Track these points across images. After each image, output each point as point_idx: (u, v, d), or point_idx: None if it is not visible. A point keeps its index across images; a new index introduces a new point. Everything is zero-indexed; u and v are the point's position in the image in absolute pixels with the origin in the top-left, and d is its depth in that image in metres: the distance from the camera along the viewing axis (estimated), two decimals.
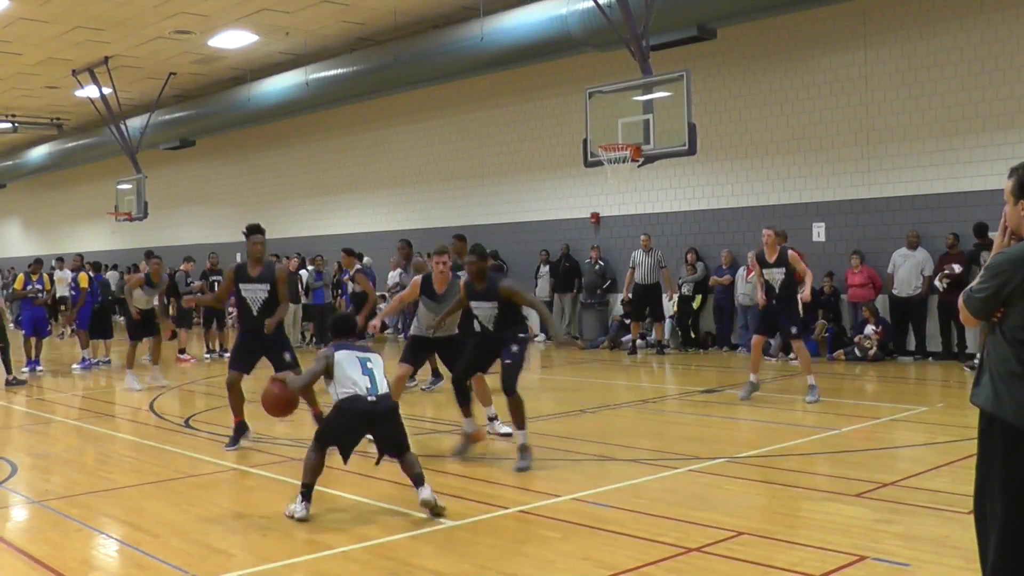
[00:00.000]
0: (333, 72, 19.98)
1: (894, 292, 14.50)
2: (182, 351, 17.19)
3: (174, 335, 18.12)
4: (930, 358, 14.29)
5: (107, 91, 21.93)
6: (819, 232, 15.68)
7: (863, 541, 5.37)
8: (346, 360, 6.14)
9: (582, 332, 18.56)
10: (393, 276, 18.85)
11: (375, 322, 9.04)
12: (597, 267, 18.26)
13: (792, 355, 14.57)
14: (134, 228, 26.92)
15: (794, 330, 10.81)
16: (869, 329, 14.50)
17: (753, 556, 5.16)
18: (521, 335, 7.65)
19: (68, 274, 20.17)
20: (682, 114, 11.79)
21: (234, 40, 19.85)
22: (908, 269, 14.35)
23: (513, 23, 16.55)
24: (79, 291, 16.40)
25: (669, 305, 16.95)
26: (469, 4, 17.37)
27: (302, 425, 9.13)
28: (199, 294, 16.84)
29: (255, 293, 8.35)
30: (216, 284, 16.18)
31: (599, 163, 12.49)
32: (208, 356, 17.49)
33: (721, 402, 10.97)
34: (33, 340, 15.56)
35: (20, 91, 24.66)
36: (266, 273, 8.40)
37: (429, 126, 22.01)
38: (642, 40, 12.48)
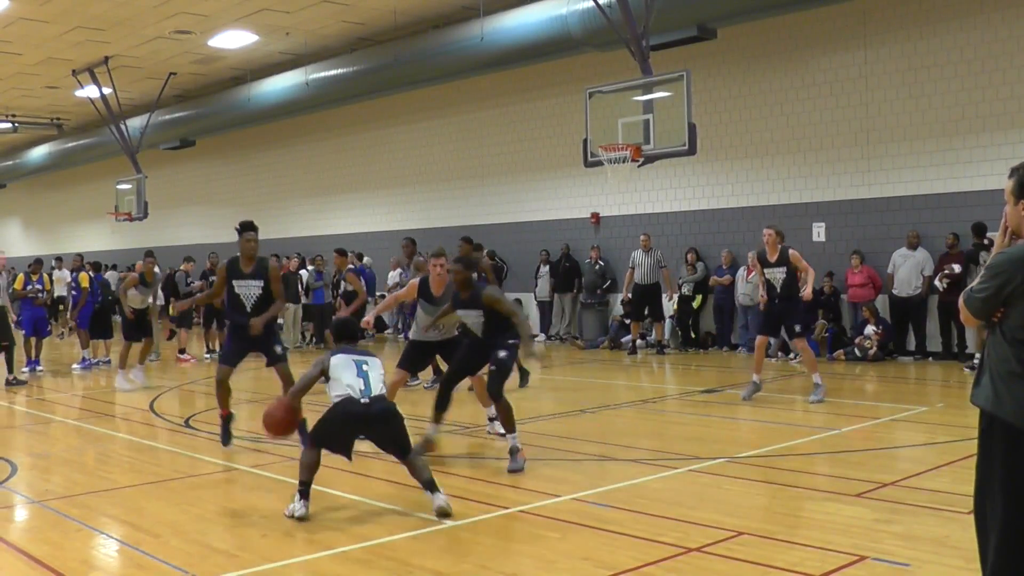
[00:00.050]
0: (333, 72, 19.98)
1: (894, 292, 14.50)
2: (182, 351, 17.19)
3: (172, 334, 18.14)
4: (930, 358, 14.29)
5: (107, 91, 21.93)
6: (819, 232, 15.68)
7: (863, 541, 5.37)
8: (342, 363, 6.17)
9: (582, 332, 18.56)
10: (393, 276, 18.90)
11: (368, 319, 9.06)
12: (597, 267, 18.26)
13: (792, 355, 14.62)
14: (134, 228, 26.93)
15: (797, 329, 10.82)
16: (870, 330, 14.50)
17: (753, 556, 5.16)
18: (510, 341, 7.65)
19: (66, 274, 20.20)
20: (682, 114, 11.79)
21: (234, 40, 19.86)
22: (908, 269, 14.35)
23: (513, 23, 16.55)
24: (80, 291, 16.40)
25: (669, 305, 16.95)
26: (469, 4, 17.37)
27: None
28: (198, 294, 16.83)
29: (249, 289, 8.35)
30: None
31: (599, 163, 12.49)
32: (208, 356, 17.47)
33: (721, 402, 10.97)
34: (33, 340, 15.55)
35: (20, 91, 24.66)
36: (259, 270, 8.40)
37: (429, 126, 22.00)
38: (642, 40, 12.48)
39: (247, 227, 8.42)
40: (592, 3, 13.92)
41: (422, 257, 13.91)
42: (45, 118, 28.63)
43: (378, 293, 20.41)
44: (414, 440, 6.70)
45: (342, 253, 15.10)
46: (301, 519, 6.03)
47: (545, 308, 19.35)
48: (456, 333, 8.77)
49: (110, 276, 21.72)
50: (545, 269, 19.08)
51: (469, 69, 18.05)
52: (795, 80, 15.93)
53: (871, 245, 15.02)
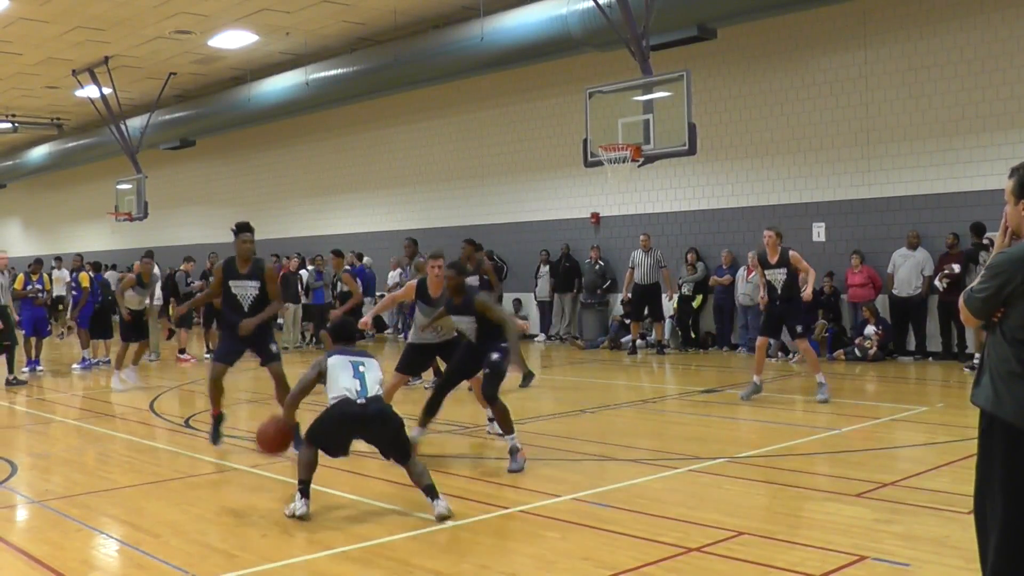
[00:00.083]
0: (333, 72, 19.98)
1: (894, 292, 14.50)
2: (182, 351, 17.19)
3: (171, 333, 18.14)
4: (930, 358, 14.29)
5: (107, 91, 21.92)
6: (819, 232, 15.68)
7: (863, 541, 5.37)
8: (339, 365, 6.18)
9: (582, 332, 18.56)
10: (393, 276, 18.90)
11: (365, 320, 9.06)
12: (597, 267, 18.26)
13: (792, 355, 14.61)
14: (134, 228, 26.92)
15: (799, 330, 10.82)
16: (870, 330, 14.50)
17: (753, 556, 5.16)
18: (503, 344, 7.65)
19: (65, 274, 20.19)
20: (682, 114, 11.78)
21: (234, 40, 19.86)
22: (908, 269, 14.35)
23: (513, 23, 16.55)
24: (81, 291, 16.40)
25: (669, 305, 16.95)
26: (469, 4, 17.37)
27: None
28: (198, 294, 16.83)
29: (245, 290, 8.35)
30: None
31: (599, 163, 12.49)
32: (208, 356, 17.46)
33: (721, 402, 10.97)
34: (33, 340, 15.56)
35: (20, 91, 24.66)
36: (255, 271, 8.39)
37: (429, 126, 22.00)
38: (642, 40, 12.48)
39: (243, 228, 8.42)
40: (592, 3, 13.92)
41: (423, 258, 13.91)
42: (45, 118, 28.63)
43: (378, 293, 20.42)
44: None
45: (339, 255, 15.18)
46: (302, 518, 6.03)
47: (545, 308, 19.36)
48: (455, 334, 8.77)
49: (110, 276, 21.72)
50: (545, 269, 19.08)
51: (469, 69, 18.05)
52: (795, 80, 15.93)
53: (871, 245, 15.02)
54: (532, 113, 19.75)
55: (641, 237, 16.77)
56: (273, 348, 8.41)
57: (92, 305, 16.21)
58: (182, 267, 18.66)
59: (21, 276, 15.54)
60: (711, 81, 16.68)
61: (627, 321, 17.16)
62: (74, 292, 17.03)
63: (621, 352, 16.90)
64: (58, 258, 23.88)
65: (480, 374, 8.22)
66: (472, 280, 11.18)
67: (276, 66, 21.81)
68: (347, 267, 14.26)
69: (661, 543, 5.44)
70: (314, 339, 19.27)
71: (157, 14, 17.78)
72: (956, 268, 13.36)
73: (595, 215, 18.78)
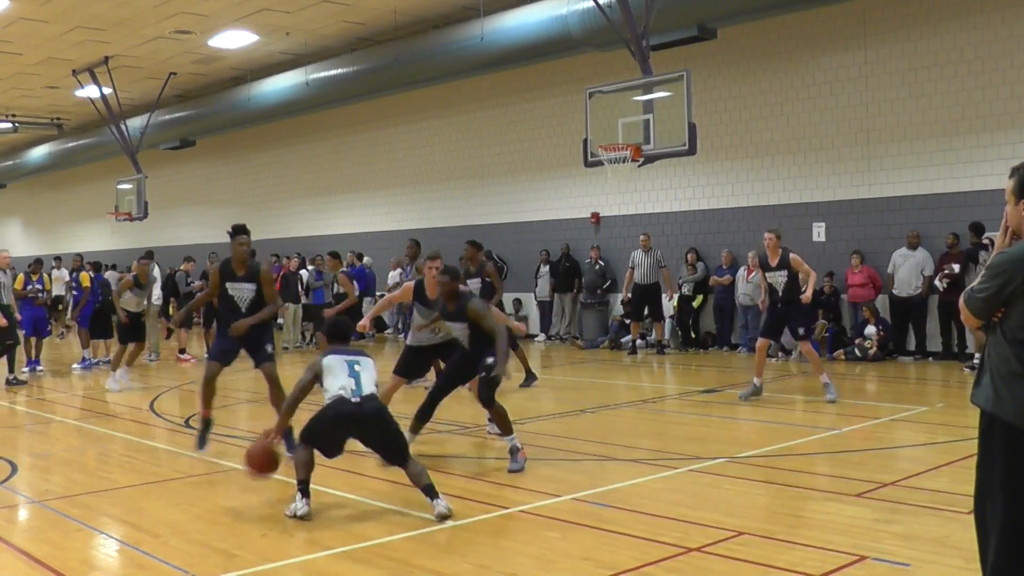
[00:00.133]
0: (333, 72, 19.97)
1: (894, 292, 14.50)
2: (182, 351, 17.18)
3: (170, 333, 18.13)
4: (930, 358, 14.29)
5: (107, 91, 21.92)
6: (819, 232, 15.67)
7: (863, 541, 5.37)
8: (334, 364, 6.18)
9: (582, 332, 18.55)
10: (393, 276, 18.90)
11: (364, 322, 9.04)
12: (597, 267, 18.26)
13: (791, 355, 14.61)
14: (134, 228, 26.91)
15: (801, 331, 10.82)
16: (870, 330, 14.50)
17: (753, 556, 5.16)
18: None
19: (64, 273, 20.20)
20: (682, 114, 11.78)
21: (234, 40, 19.85)
22: (908, 269, 14.35)
23: (513, 23, 16.55)
24: (81, 290, 16.41)
25: (669, 305, 16.95)
26: (469, 4, 17.37)
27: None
28: (198, 294, 16.82)
29: (242, 292, 8.33)
30: None
31: (599, 163, 12.49)
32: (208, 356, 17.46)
33: (721, 402, 10.97)
34: (33, 340, 15.56)
35: (20, 91, 24.66)
36: (252, 273, 8.38)
37: (429, 126, 22.00)
38: (642, 40, 12.48)
39: (239, 231, 8.39)
40: (592, 3, 13.92)
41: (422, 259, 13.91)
42: (45, 118, 28.62)
43: (378, 293, 20.42)
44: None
45: (335, 256, 15.17)
46: (303, 518, 6.03)
47: (545, 308, 19.36)
48: (454, 335, 8.77)
49: (110, 276, 21.71)
50: (545, 269, 19.08)
51: (469, 69, 18.04)
52: (795, 80, 15.93)
53: (871, 245, 15.02)
54: (532, 113, 19.75)
55: (641, 237, 16.77)
56: (268, 349, 8.34)
57: (92, 305, 16.21)
58: (182, 267, 18.67)
59: (21, 276, 15.55)
60: (711, 81, 16.68)
61: (627, 321, 17.16)
62: (75, 292, 17.04)
63: (621, 352, 16.90)
64: (58, 258, 23.89)
65: (477, 377, 8.23)
66: (474, 282, 11.18)
67: (276, 66, 21.81)
68: (346, 268, 14.24)
69: (661, 543, 5.44)
70: (314, 339, 19.28)
71: (157, 14, 17.78)
72: (956, 268, 13.36)
73: (595, 215, 18.78)
